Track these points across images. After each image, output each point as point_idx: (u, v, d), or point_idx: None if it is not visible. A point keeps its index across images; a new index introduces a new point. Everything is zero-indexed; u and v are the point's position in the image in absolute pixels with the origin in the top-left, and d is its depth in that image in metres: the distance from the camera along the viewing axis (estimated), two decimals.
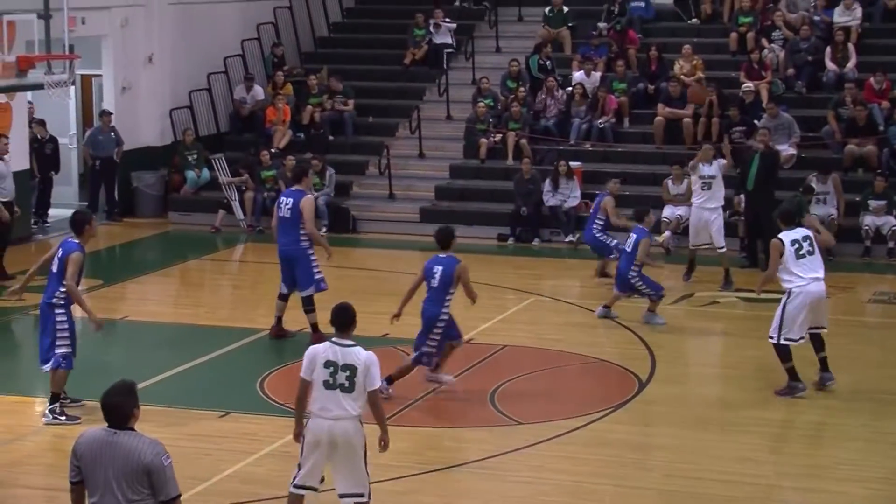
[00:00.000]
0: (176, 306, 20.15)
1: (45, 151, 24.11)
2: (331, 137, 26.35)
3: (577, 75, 25.97)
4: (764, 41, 25.97)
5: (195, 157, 25.72)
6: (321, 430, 9.98)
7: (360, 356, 9.93)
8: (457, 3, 29.76)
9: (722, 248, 19.79)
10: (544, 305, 18.74)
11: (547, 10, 27.91)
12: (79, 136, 26.35)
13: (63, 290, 13.38)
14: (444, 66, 27.45)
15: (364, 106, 26.89)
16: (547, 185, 23.63)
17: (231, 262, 23.30)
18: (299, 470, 10.19)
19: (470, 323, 17.65)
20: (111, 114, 25.16)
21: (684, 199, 22.21)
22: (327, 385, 9.91)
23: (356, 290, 20.09)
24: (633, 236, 17.52)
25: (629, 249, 17.50)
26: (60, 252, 13.47)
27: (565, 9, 27.81)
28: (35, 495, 11.75)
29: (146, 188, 25.85)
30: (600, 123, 25.14)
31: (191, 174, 25.62)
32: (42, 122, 24.29)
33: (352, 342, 10.00)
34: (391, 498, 11.57)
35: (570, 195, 23.51)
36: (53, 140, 24.58)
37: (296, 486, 10.24)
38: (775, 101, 24.18)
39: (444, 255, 14.22)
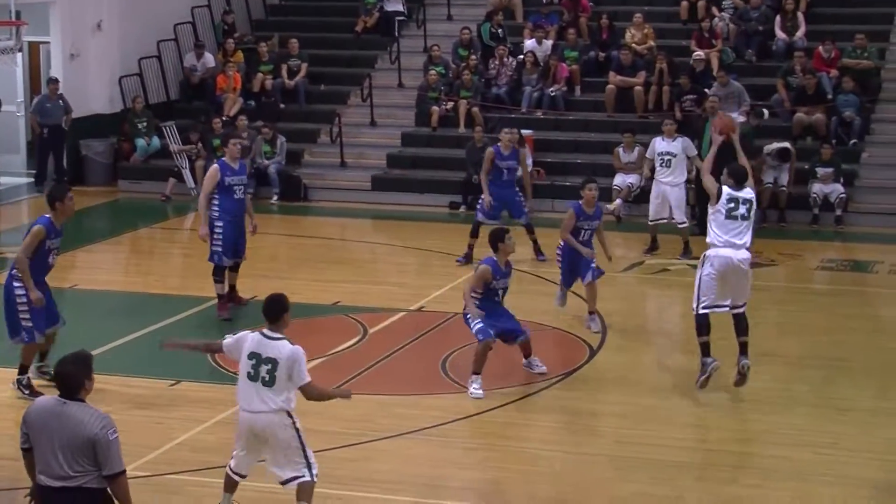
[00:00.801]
0: (126, 275, 20.07)
1: None
2: (282, 105, 26.24)
3: (529, 43, 25.96)
4: (714, 10, 26.05)
5: (145, 124, 25.56)
6: (244, 424, 9.89)
7: (284, 350, 9.70)
8: None
9: (683, 223, 19.75)
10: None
11: None
12: (26, 103, 26.11)
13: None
14: (396, 33, 27.37)
15: (315, 74, 26.79)
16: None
17: (181, 231, 23.16)
18: (233, 454, 10.16)
19: (422, 291, 17.68)
20: (59, 81, 24.94)
21: (635, 167, 22.33)
22: (249, 377, 9.76)
23: (307, 258, 20.09)
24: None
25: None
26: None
27: None
28: None
29: (95, 156, 25.67)
30: (552, 91, 25.15)
31: (140, 142, 25.46)
32: None
33: (280, 335, 9.79)
34: (343, 465, 11.59)
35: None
36: None
37: (230, 469, 10.20)
38: (725, 69, 24.26)
39: None
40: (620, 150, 22.65)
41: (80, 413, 7.90)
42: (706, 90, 23.44)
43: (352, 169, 24.80)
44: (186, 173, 24.55)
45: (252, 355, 9.75)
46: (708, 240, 13.35)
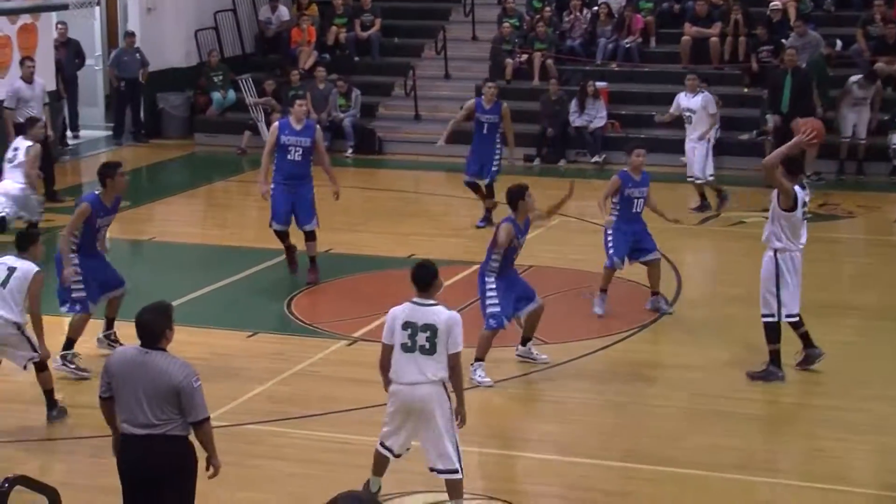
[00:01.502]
0: (203, 227, 20.23)
1: (63, 73, 24.03)
2: (356, 58, 26.25)
3: None
4: None
5: (221, 78, 25.68)
6: (399, 399, 9.38)
7: (441, 315, 9.27)
8: None
9: (696, 178, 19.23)
10: (570, 226, 18.71)
11: None
12: (104, 57, 26.30)
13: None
14: None
15: (389, 27, 26.76)
16: (573, 105, 23.55)
17: (257, 184, 23.26)
18: (383, 427, 9.63)
19: None
20: (135, 35, 25.11)
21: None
22: (405, 348, 9.26)
23: (382, 211, 20.13)
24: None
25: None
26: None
27: None
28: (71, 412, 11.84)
29: (172, 109, 25.85)
30: (626, 43, 24.97)
31: (216, 95, 25.60)
32: (66, 43, 24.11)
33: (433, 301, 9.34)
34: None
35: (596, 115, 23.44)
36: (72, 62, 24.50)
37: (380, 444, 9.65)
38: (803, 19, 23.95)
39: None
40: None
41: (163, 362, 7.99)
42: (783, 40, 23.18)
43: (426, 122, 24.78)
44: (262, 126, 24.64)
45: (407, 325, 9.29)
46: (780, 243, 12.35)
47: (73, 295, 12.77)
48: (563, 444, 11.34)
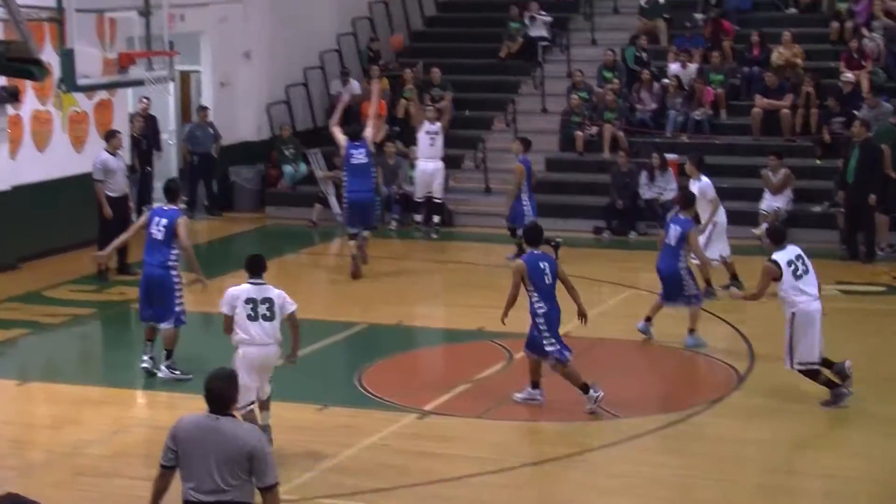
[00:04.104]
0: None
1: (142, 147, 24.32)
2: None
3: (673, 67, 25.80)
4: (864, 30, 25.60)
5: (292, 151, 25.92)
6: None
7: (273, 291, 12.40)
8: None
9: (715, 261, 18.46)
10: (641, 298, 18.61)
11: (643, 1, 27.74)
12: (178, 132, 26.63)
13: (174, 253, 14.70)
14: (540, 59, 27.40)
15: (459, 99, 26.92)
16: (643, 177, 23.53)
17: (327, 256, 23.43)
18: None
19: (565, 317, 17.62)
20: (208, 109, 25.43)
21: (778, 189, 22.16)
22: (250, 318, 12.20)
23: (452, 283, 20.15)
24: (677, 228, 16.34)
25: (673, 243, 16.30)
26: (163, 220, 14.76)
27: (661, 0, 27.64)
28: (138, 486, 11.88)
29: (244, 183, 26.10)
30: (697, 115, 24.96)
31: (288, 169, 25.83)
32: (146, 118, 24.36)
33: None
34: (491, 491, 11.60)
35: (666, 188, 23.38)
36: (149, 136, 24.78)
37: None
38: (876, 91, 23.84)
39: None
40: (769, 172, 22.40)
41: (234, 427, 8.02)
42: (855, 112, 23.06)
43: (496, 194, 24.80)
44: (332, 199, 24.79)
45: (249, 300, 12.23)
46: (789, 308, 13.65)
47: (177, 308, 14.76)
48: None
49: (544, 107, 26.50)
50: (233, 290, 12.47)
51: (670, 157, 23.80)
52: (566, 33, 27.92)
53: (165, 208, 15.10)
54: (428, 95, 26.51)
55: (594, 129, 25.13)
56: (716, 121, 25.20)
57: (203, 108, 25.47)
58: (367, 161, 20.05)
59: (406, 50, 29.16)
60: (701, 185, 18.45)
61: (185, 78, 27.00)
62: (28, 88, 20.57)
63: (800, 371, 13.72)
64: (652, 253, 21.75)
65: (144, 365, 15.10)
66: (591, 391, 13.51)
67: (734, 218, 21.63)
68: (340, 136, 20.02)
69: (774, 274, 13.55)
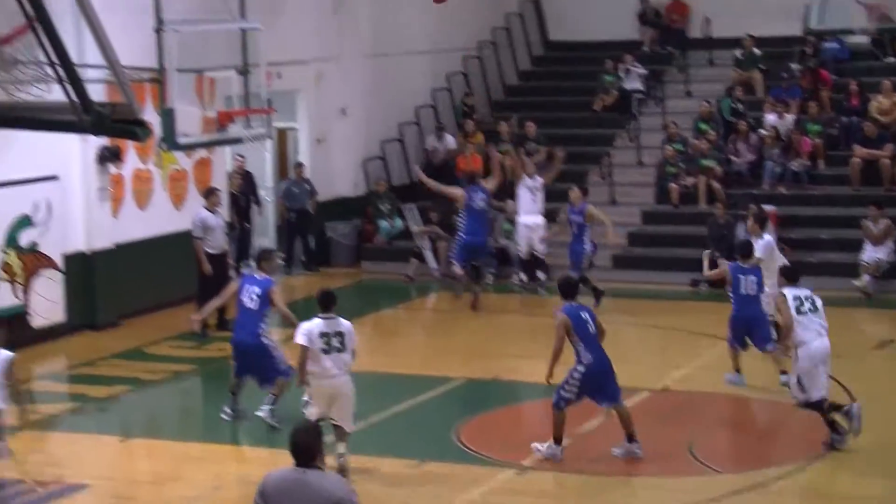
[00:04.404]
0: (371, 355, 20.31)
1: (240, 204, 24.57)
2: None
3: (770, 118, 25.62)
4: None
5: (388, 206, 26.05)
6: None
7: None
8: (645, 49, 29.65)
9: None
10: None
11: (738, 52, 27.64)
12: (275, 188, 26.87)
13: (266, 319, 15.07)
14: (635, 111, 27.36)
15: (554, 153, 26.86)
16: (740, 229, 23.31)
17: (424, 311, 23.47)
18: None
19: (664, 370, 17.50)
20: (304, 165, 25.64)
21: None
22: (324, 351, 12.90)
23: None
24: (752, 277, 16.46)
25: (753, 293, 16.39)
26: (256, 289, 15.02)
27: (757, 51, 27.51)
28: None
29: (340, 238, 26.24)
30: (794, 166, 24.75)
31: (383, 224, 25.96)
32: (243, 175, 24.62)
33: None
34: None
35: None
36: (247, 193, 25.05)
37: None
38: None
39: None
40: (870, 222, 22.14)
41: (322, 480, 8.03)
42: None
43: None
44: (428, 254, 24.86)
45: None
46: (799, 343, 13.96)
47: (281, 367, 15.04)
48: None
49: (640, 159, 26.44)
50: (307, 325, 13.11)
51: (768, 208, 23.58)
52: (661, 85, 27.89)
53: (258, 276, 15.29)
54: (523, 149, 26.52)
55: (690, 181, 24.99)
56: (814, 171, 24.97)
57: (299, 165, 25.70)
58: (486, 207, 21.31)
59: (501, 103, 29.27)
60: (763, 244, 17.77)
61: (281, 135, 27.27)
62: (129, 147, 20.91)
63: (800, 406, 14.00)
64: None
65: (225, 417, 15.48)
66: (546, 446, 13.76)
67: (835, 270, 21.45)
68: (453, 190, 20.38)
69: (786, 302, 13.99)
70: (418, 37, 27.97)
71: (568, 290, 14.09)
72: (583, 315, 13.74)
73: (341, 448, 13.21)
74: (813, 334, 13.93)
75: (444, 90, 28.62)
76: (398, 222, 25.97)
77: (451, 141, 27.22)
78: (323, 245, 26.11)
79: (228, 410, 15.51)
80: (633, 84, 27.86)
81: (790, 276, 14.56)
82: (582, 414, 15.43)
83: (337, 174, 26.58)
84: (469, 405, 16.20)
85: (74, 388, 17.91)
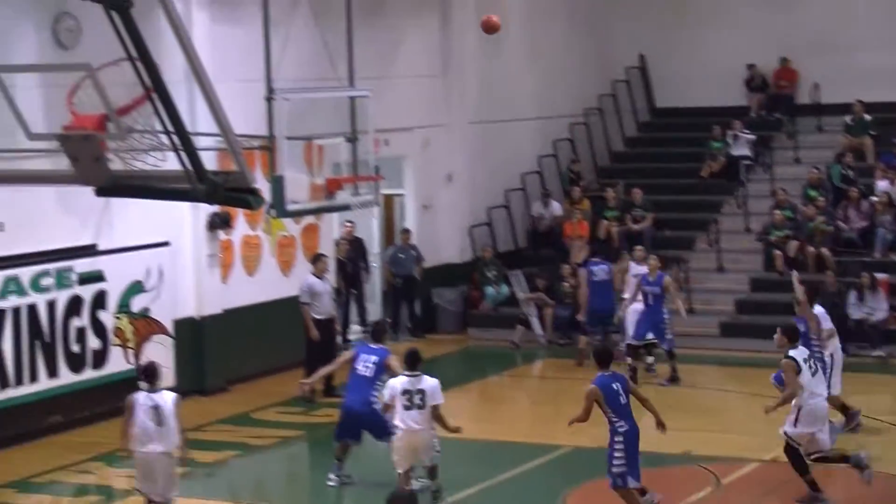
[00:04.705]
0: (477, 422, 20.24)
1: (347, 270, 24.66)
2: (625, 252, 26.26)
3: (881, 184, 25.30)
4: None
5: (494, 273, 26.05)
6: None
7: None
8: (753, 115, 29.46)
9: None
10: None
11: (848, 118, 27.38)
12: (381, 254, 26.99)
13: (378, 391, 15.04)
14: (742, 177, 27.16)
15: (660, 219, 26.79)
16: (852, 297, 23.00)
17: (530, 378, 23.38)
18: None
19: (774, 441, 17.22)
20: (411, 231, 25.75)
21: None
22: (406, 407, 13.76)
23: (658, 406, 19.83)
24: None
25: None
26: (372, 357, 15.20)
27: (867, 117, 27.22)
28: None
29: (446, 304, 26.26)
30: None
31: (490, 290, 25.95)
32: (352, 241, 24.65)
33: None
34: None
35: (876, 308, 22.82)
36: (355, 259, 25.16)
37: None
38: None
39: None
40: None
41: None
42: None
43: (700, 315, 24.51)
44: (534, 321, 24.79)
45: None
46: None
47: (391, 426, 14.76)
48: None
49: (747, 226, 26.21)
50: (392, 382, 14.10)
51: (880, 276, 23.25)
52: (769, 152, 27.68)
53: (373, 346, 15.39)
54: (629, 216, 26.45)
55: (794, 245, 24.58)
56: None
57: (406, 231, 25.82)
58: (608, 279, 22.25)
59: (607, 170, 29.24)
60: (819, 313, 17.46)
61: (388, 201, 27.44)
62: (239, 214, 21.18)
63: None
64: (861, 375, 21.24)
65: (331, 483, 15.41)
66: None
67: None
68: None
69: (795, 369, 14.34)
70: (525, 103, 28.06)
71: (603, 358, 14.01)
72: (614, 386, 13.62)
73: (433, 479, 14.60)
74: (820, 397, 14.58)
75: (550, 156, 28.64)
76: (504, 289, 25.95)
77: (557, 207, 27.19)
78: (429, 311, 26.14)
79: (334, 477, 15.54)
80: (741, 150, 27.68)
81: (791, 336, 14.91)
82: (690, 485, 15.26)
83: (443, 240, 26.65)
84: (575, 473, 16.07)
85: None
